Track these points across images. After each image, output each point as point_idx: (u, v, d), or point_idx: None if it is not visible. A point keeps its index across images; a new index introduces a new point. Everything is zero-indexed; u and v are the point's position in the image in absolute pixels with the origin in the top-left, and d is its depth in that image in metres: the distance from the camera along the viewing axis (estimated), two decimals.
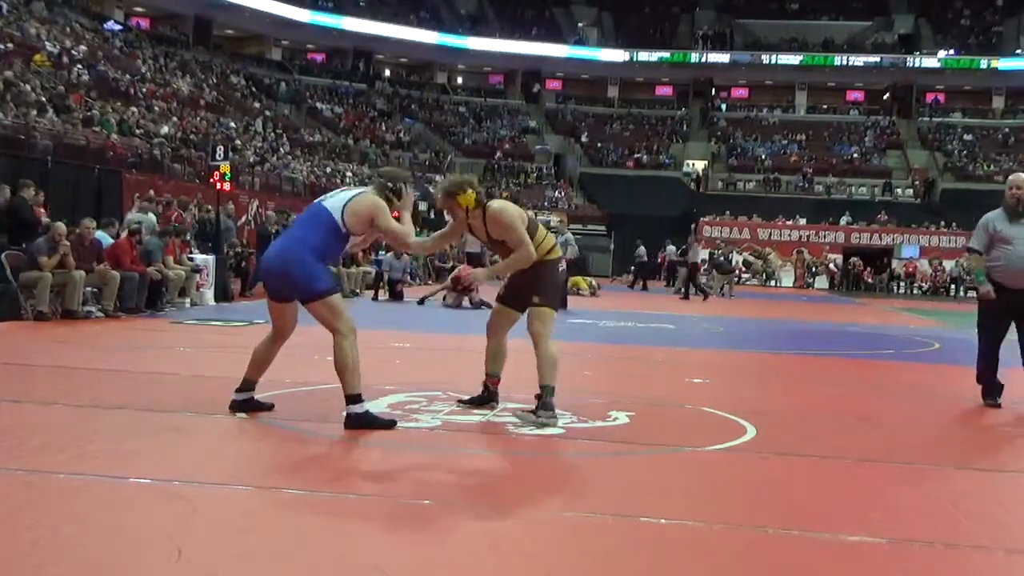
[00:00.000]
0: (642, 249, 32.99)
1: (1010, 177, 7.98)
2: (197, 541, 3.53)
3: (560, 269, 6.39)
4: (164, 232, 14.60)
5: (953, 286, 37.02)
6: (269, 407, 6.07)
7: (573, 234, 24.09)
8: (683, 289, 26.34)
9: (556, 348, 6.16)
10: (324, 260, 5.84)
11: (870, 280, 40.31)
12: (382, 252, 21.33)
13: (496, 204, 6.19)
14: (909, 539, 3.96)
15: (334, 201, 5.84)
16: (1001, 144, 53.33)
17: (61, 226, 11.97)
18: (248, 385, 6.00)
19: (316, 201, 6.03)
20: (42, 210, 13.71)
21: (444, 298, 17.70)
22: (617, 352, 11.52)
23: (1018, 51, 55.77)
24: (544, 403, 6.00)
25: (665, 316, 18.01)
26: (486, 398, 6.44)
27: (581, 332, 14.01)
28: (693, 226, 32.16)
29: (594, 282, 25.85)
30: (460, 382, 6.77)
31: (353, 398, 5.65)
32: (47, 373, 7.53)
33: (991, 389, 7.71)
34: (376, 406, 6.30)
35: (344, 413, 5.66)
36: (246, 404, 5.98)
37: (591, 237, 42.06)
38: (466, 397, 6.54)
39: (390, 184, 5.92)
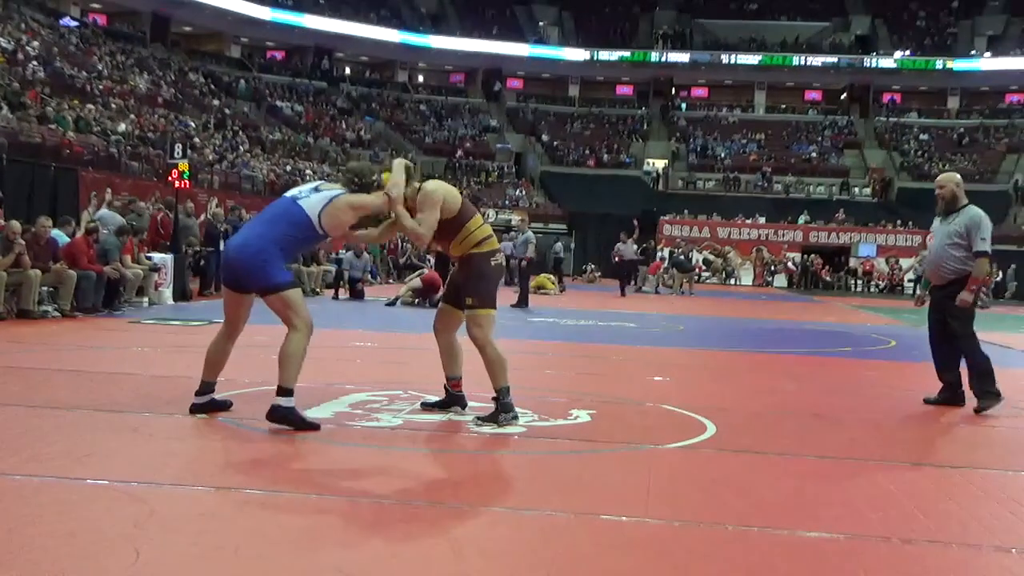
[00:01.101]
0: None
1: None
2: (155, 542, 3.50)
3: (494, 263, 6.02)
4: (121, 231, 14.44)
5: (912, 284, 37.36)
6: (228, 405, 6.03)
7: (535, 233, 24.11)
8: (640, 287, 26.54)
9: (500, 347, 5.99)
10: (287, 255, 5.83)
11: (828, 278, 40.72)
12: (342, 251, 21.25)
13: (429, 184, 5.97)
14: (866, 535, 4.00)
15: (310, 202, 5.75)
16: (956, 144, 54.06)
17: (16, 224, 11.81)
18: (206, 387, 5.94)
19: (287, 197, 5.94)
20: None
21: (403, 297, 17.70)
22: (578, 351, 11.55)
23: (972, 52, 56.58)
24: (502, 405, 5.91)
25: (626, 315, 18.08)
26: (448, 402, 6.27)
27: (542, 331, 14.05)
28: (635, 222, 32.20)
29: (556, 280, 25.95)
30: (421, 381, 6.76)
31: (285, 391, 5.56)
32: (1, 373, 7.43)
33: (943, 387, 7.81)
34: (337, 405, 6.29)
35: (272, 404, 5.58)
36: (206, 406, 5.92)
37: (552, 236, 42.14)
38: (432, 400, 6.39)
39: (356, 179, 5.87)
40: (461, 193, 6.20)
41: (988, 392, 7.59)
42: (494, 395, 5.97)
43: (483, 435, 5.68)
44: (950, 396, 7.77)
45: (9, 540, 3.45)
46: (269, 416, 5.53)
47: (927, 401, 7.81)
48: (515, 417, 5.93)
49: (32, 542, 3.44)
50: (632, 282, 29.20)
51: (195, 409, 5.89)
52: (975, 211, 7.68)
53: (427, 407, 6.29)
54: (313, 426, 5.58)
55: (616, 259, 28.10)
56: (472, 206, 6.16)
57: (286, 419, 5.53)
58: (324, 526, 3.84)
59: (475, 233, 5.97)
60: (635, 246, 27.85)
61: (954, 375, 7.83)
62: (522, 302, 18.64)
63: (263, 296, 5.70)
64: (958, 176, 8.08)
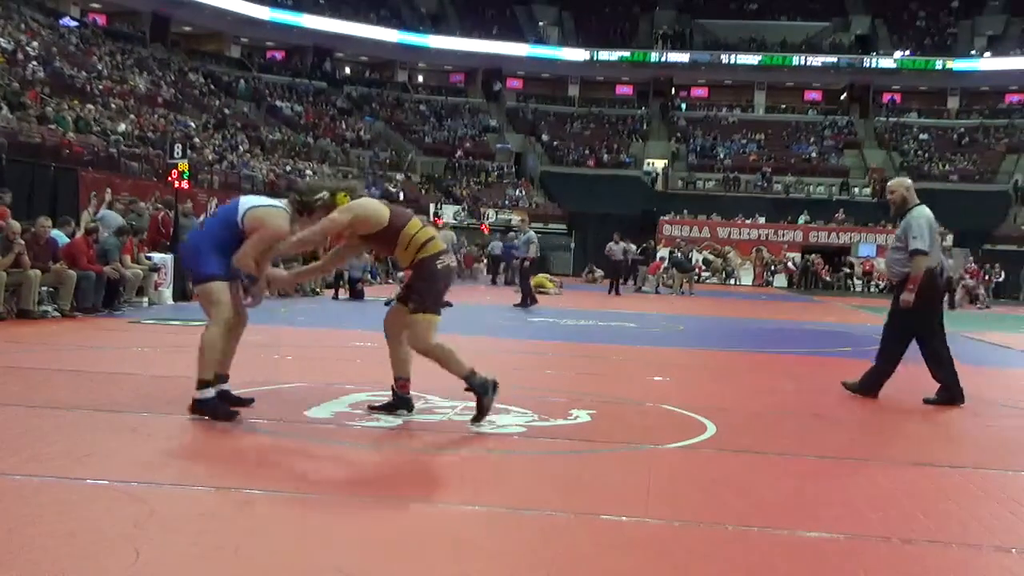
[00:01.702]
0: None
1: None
2: (155, 542, 3.50)
3: (439, 265, 5.83)
4: (121, 231, 14.44)
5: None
6: (249, 401, 6.11)
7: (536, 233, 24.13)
8: (640, 287, 26.61)
9: (443, 340, 5.84)
10: (221, 252, 5.82)
11: (828, 278, 40.72)
12: None
13: (339, 210, 5.77)
14: (866, 535, 4.00)
15: (246, 199, 5.98)
16: (956, 144, 54.07)
17: (16, 224, 11.80)
18: (219, 379, 6.03)
19: (239, 198, 6.12)
20: (7, 210, 13.50)
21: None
22: (578, 351, 11.55)
23: (972, 52, 56.59)
24: (478, 388, 5.79)
25: (626, 315, 18.08)
26: (394, 404, 6.08)
27: (543, 331, 14.05)
28: (616, 234, 31.90)
29: (557, 280, 25.98)
30: (421, 381, 6.75)
31: (202, 383, 5.69)
32: (1, 373, 7.43)
33: (940, 387, 7.82)
34: (337, 405, 6.29)
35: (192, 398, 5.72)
36: (224, 397, 6.03)
37: (552, 236, 42.17)
38: (379, 403, 6.20)
39: (298, 197, 5.90)
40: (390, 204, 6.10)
41: (866, 386, 7.90)
42: (465, 387, 5.84)
43: (484, 435, 5.68)
44: (947, 395, 7.76)
45: (9, 540, 3.44)
46: (190, 409, 5.70)
47: (927, 401, 7.80)
48: (494, 388, 5.82)
49: (32, 542, 3.44)
50: (626, 281, 29.25)
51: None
52: (915, 211, 7.81)
53: (374, 409, 6.12)
54: (232, 415, 5.70)
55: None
56: (406, 212, 6.05)
57: (204, 411, 5.67)
58: (324, 526, 3.84)
59: (416, 237, 5.82)
60: (624, 246, 27.80)
61: (946, 372, 7.79)
62: (525, 301, 18.58)
63: (192, 286, 5.84)
64: (908, 180, 8.31)
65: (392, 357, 6.09)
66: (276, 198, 6.17)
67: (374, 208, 5.85)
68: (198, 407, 5.69)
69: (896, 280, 7.94)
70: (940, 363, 7.81)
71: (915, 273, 7.64)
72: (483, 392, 5.80)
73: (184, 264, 5.87)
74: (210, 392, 5.71)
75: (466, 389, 5.88)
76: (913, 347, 7.96)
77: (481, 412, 5.85)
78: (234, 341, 6.06)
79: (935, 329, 7.89)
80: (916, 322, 7.76)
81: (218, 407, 5.71)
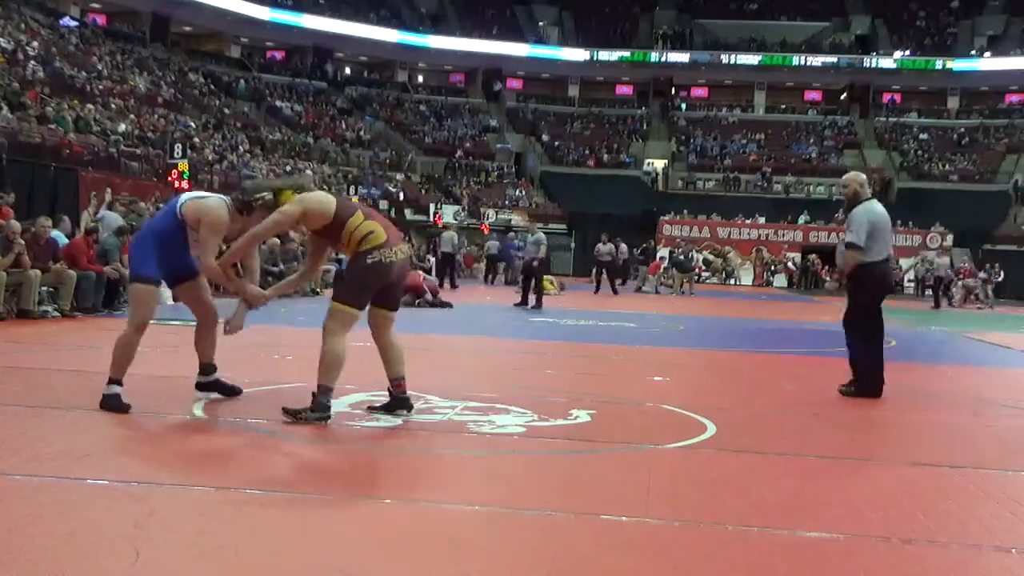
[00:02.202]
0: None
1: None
2: (155, 543, 3.50)
3: (370, 260, 5.67)
4: (121, 230, 14.43)
5: (911, 284, 37.29)
6: (237, 391, 6.35)
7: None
8: (640, 287, 26.65)
9: (341, 347, 5.70)
10: (161, 248, 5.94)
11: (828, 278, 40.68)
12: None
13: (285, 207, 5.77)
14: (866, 534, 4.00)
15: (185, 194, 6.16)
16: (956, 144, 54.07)
17: (16, 224, 11.80)
18: (205, 369, 6.27)
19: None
20: (11, 210, 13.53)
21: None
22: (578, 351, 11.54)
23: (972, 52, 56.58)
24: (317, 402, 5.63)
25: (626, 315, 18.08)
26: (393, 404, 6.03)
27: (543, 331, 14.04)
28: (604, 235, 31.78)
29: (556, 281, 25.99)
30: (421, 382, 6.75)
31: (111, 380, 5.84)
32: (1, 373, 7.42)
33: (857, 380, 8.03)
34: (337, 405, 6.28)
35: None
36: (210, 386, 6.26)
37: (552, 236, 42.15)
38: (378, 404, 6.16)
39: (240, 195, 5.98)
40: (337, 196, 6.10)
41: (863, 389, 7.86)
42: (314, 390, 5.71)
43: (483, 435, 5.67)
44: (864, 387, 7.91)
45: (9, 540, 3.44)
46: (100, 405, 5.79)
47: (843, 392, 7.97)
48: (322, 419, 5.62)
49: (32, 542, 3.44)
50: (624, 282, 29.34)
51: (199, 386, 6.31)
52: (859, 207, 7.98)
53: (373, 410, 6.08)
54: (123, 408, 5.74)
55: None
56: (353, 205, 6.01)
57: (108, 407, 5.77)
58: (324, 526, 3.84)
59: (356, 232, 5.70)
60: (612, 246, 27.83)
61: (871, 364, 7.94)
62: (526, 300, 18.49)
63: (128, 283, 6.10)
64: (862, 176, 8.50)
65: (383, 359, 6.04)
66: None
67: (322, 201, 5.81)
68: (103, 404, 5.79)
69: (847, 272, 8.16)
70: (866, 352, 7.96)
71: (842, 265, 8.04)
72: (312, 410, 5.61)
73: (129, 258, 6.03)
74: (115, 387, 5.82)
75: (312, 392, 5.69)
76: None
77: (292, 415, 5.65)
78: (208, 333, 6.26)
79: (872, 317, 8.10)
80: (861, 307, 8.00)
81: (117, 403, 5.77)
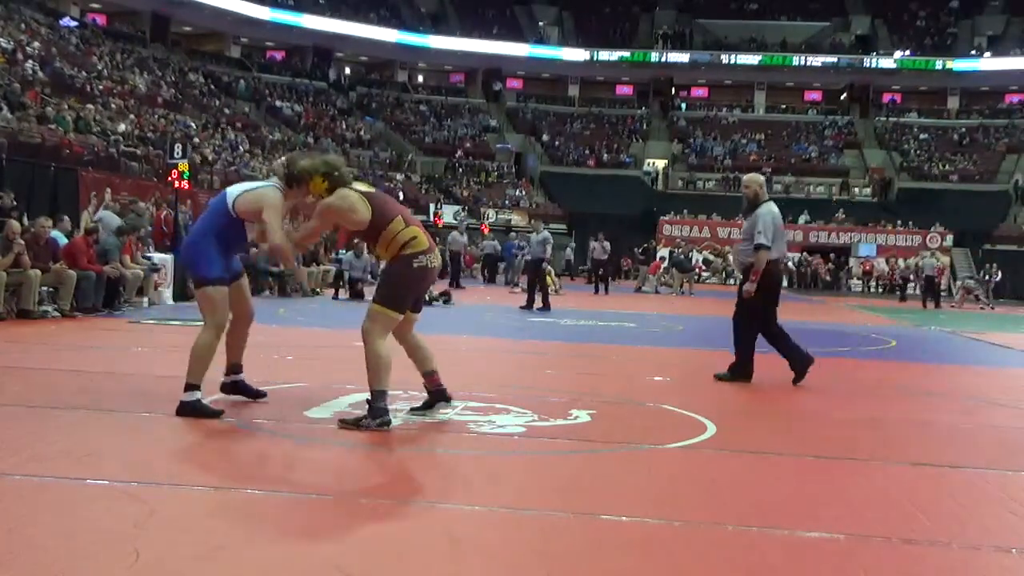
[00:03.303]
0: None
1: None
2: (155, 543, 3.50)
3: (416, 264, 5.68)
4: (121, 231, 14.44)
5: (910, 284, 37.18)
6: (261, 394, 6.33)
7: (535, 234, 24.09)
8: (640, 287, 26.67)
9: (386, 349, 5.68)
10: (222, 247, 5.92)
11: (827, 278, 40.72)
12: (343, 251, 21.26)
13: (329, 199, 5.74)
14: (866, 535, 4.00)
15: (232, 188, 6.09)
16: (956, 144, 54.06)
17: (16, 224, 11.81)
18: (234, 368, 6.23)
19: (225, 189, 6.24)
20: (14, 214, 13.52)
21: None
22: (578, 350, 11.55)
23: (972, 52, 56.57)
24: (372, 409, 5.57)
25: (626, 315, 18.08)
26: (432, 401, 6.11)
27: (543, 331, 14.04)
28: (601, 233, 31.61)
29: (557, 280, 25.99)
30: (420, 381, 6.75)
31: (190, 386, 5.75)
32: (1, 373, 7.43)
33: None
34: (337, 405, 6.29)
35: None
36: (234, 387, 6.24)
37: (552, 236, 42.14)
38: (418, 404, 6.21)
39: (285, 168, 5.98)
40: (375, 196, 5.88)
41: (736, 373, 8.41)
42: (367, 398, 5.66)
43: (483, 435, 5.67)
44: (799, 368, 8.34)
45: (9, 540, 3.44)
46: (177, 412, 5.72)
47: (718, 377, 8.41)
48: (383, 424, 5.56)
49: (32, 542, 3.44)
50: (614, 280, 29.43)
51: (224, 388, 6.30)
52: (763, 208, 8.34)
53: (416, 411, 6.11)
54: (217, 412, 5.74)
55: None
56: (393, 209, 5.85)
57: (190, 412, 5.70)
58: (324, 526, 3.84)
59: (399, 236, 5.68)
60: (608, 244, 27.85)
61: (791, 349, 8.41)
62: (534, 303, 18.26)
63: (194, 288, 6.00)
64: (761, 178, 8.95)
65: (412, 358, 6.09)
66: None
67: (358, 207, 5.69)
68: (184, 409, 5.72)
69: (742, 270, 8.54)
70: (780, 340, 8.41)
71: (758, 265, 8.17)
72: (373, 416, 5.55)
73: (183, 263, 5.96)
74: (197, 395, 5.75)
75: (367, 401, 5.66)
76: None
77: (353, 423, 5.57)
78: (244, 333, 6.24)
79: (772, 314, 8.46)
80: (759, 308, 8.30)
81: (203, 408, 5.74)
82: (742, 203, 8.79)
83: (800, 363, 8.35)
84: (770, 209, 8.32)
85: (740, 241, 8.78)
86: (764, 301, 8.28)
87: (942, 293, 30.49)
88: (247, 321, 6.25)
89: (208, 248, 5.87)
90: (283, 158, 6.45)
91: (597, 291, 26.67)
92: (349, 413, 6.03)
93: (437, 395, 6.11)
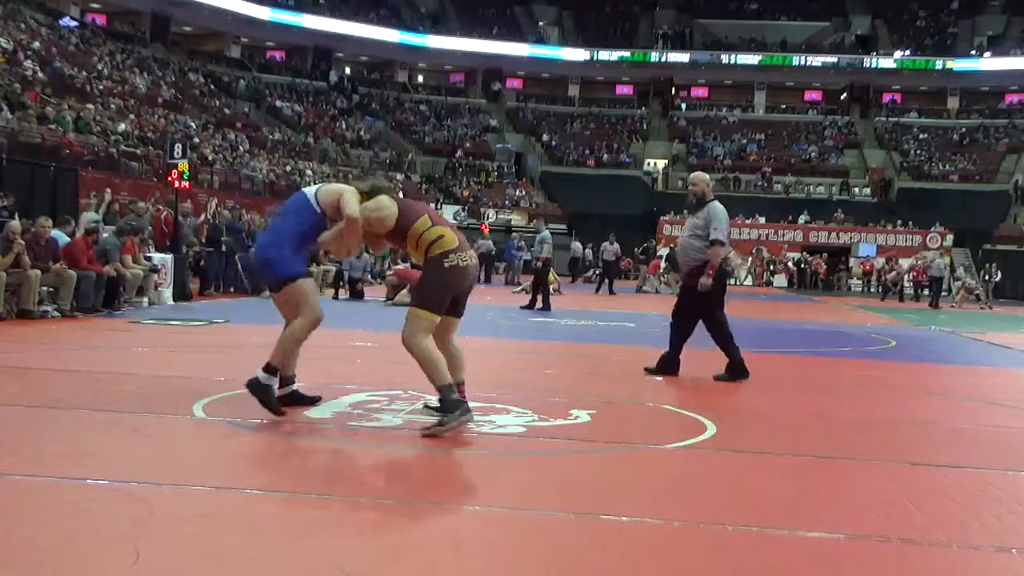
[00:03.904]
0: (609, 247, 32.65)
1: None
2: (155, 543, 3.50)
3: (447, 264, 5.64)
4: (121, 231, 14.43)
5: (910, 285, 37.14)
6: (314, 400, 6.29)
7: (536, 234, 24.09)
8: (640, 287, 26.67)
9: (430, 346, 5.67)
10: (302, 245, 6.00)
11: (828, 278, 40.74)
12: None
13: (371, 203, 5.81)
14: (866, 535, 4.00)
15: (307, 189, 6.12)
16: (956, 144, 54.08)
17: (16, 224, 11.80)
18: (285, 380, 6.13)
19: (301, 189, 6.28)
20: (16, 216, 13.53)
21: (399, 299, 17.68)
22: (578, 351, 11.54)
23: (972, 52, 56.58)
24: (446, 404, 5.58)
25: (626, 315, 18.07)
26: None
27: (543, 331, 14.04)
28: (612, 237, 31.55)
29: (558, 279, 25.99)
30: (421, 381, 6.75)
31: (269, 367, 5.79)
32: (1, 373, 7.43)
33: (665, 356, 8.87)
34: (337, 405, 6.29)
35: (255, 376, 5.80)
36: (288, 398, 6.14)
37: (552, 236, 42.13)
38: (434, 403, 6.06)
39: (363, 188, 6.00)
40: (399, 198, 5.98)
41: (734, 373, 8.59)
42: (437, 399, 5.67)
43: (483, 435, 5.67)
44: (736, 369, 8.59)
45: (9, 540, 3.44)
46: (247, 384, 5.75)
47: (717, 378, 8.60)
48: (464, 414, 5.60)
49: (32, 542, 3.44)
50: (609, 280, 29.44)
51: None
52: (715, 206, 8.60)
53: (429, 408, 6.05)
54: (278, 412, 5.76)
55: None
56: (417, 209, 5.89)
57: (258, 393, 5.74)
58: (324, 526, 3.84)
59: (424, 235, 5.70)
60: (616, 247, 27.85)
61: (732, 346, 8.65)
62: (537, 304, 18.24)
63: (275, 291, 5.93)
64: (707, 176, 9.18)
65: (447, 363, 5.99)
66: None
67: (384, 217, 5.76)
68: (255, 386, 5.76)
69: (692, 266, 8.65)
70: (725, 337, 8.64)
71: (715, 260, 8.43)
72: (449, 409, 5.55)
73: (259, 271, 5.89)
74: (274, 380, 5.79)
75: (435, 408, 5.66)
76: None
77: (440, 425, 5.55)
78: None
79: (719, 308, 8.70)
80: (705, 302, 8.55)
81: (272, 397, 5.78)
82: (688, 200, 9.04)
83: (737, 367, 8.61)
84: (720, 206, 8.63)
85: (683, 238, 8.96)
86: (713, 295, 8.55)
87: (943, 293, 30.50)
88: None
89: (291, 248, 5.91)
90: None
91: (598, 290, 26.76)
92: (350, 414, 6.03)
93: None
